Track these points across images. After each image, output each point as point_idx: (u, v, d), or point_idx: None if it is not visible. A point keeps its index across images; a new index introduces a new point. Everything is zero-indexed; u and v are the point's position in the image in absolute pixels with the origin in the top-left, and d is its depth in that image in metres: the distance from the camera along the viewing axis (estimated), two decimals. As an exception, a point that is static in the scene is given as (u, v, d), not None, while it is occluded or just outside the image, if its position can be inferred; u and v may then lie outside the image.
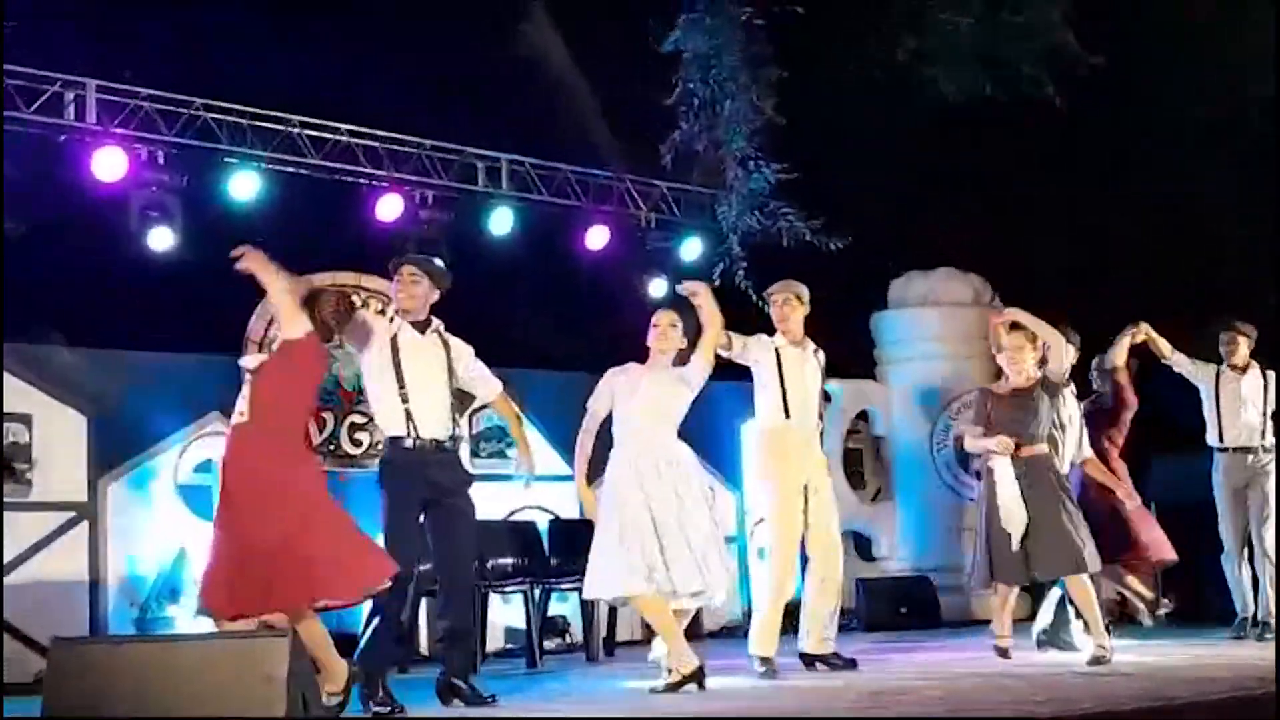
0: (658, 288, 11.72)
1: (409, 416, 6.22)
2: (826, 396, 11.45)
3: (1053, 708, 5.12)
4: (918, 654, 8.35)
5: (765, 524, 11.42)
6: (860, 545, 11.97)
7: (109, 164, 8.95)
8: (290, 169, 9.82)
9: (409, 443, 6.23)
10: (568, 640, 9.72)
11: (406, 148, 10.34)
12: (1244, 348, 8.80)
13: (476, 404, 10.17)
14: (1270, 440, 8.67)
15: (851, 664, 7.16)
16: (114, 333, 8.96)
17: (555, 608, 9.19)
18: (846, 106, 12.65)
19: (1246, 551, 8.67)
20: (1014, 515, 7.07)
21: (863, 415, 12.33)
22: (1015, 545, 7.07)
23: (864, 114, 12.73)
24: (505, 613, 9.49)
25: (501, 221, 10.72)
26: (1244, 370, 8.78)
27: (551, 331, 12.34)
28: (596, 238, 11.23)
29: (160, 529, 8.98)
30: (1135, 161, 13.14)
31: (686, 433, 11.03)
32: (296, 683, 4.16)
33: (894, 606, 10.79)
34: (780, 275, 11.64)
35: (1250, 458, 8.65)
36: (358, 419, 9.60)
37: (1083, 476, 8.19)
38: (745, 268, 11.53)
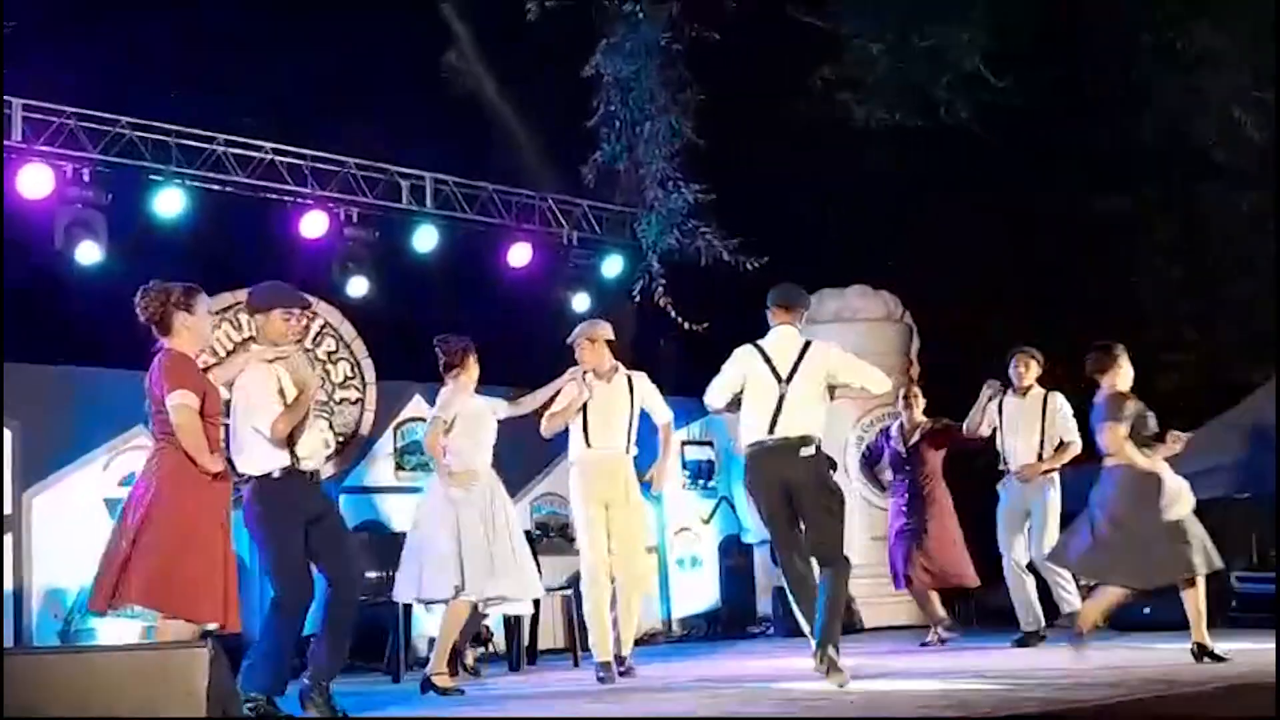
0: (580, 303, 11.92)
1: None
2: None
3: (957, 710, 5.32)
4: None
5: (683, 534, 11.73)
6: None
7: (34, 181, 9.00)
8: (215, 186, 9.90)
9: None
10: (490, 649, 9.87)
11: (331, 166, 10.44)
12: (1033, 372, 9.10)
13: (401, 418, 10.33)
14: (1048, 460, 8.92)
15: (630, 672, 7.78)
16: (39, 347, 8.98)
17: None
18: (763, 129, 12.93)
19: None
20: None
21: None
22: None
23: (780, 137, 13.02)
24: (429, 622, 9.61)
25: (426, 239, 10.86)
26: (1025, 393, 9.07)
27: (476, 347, 12.48)
28: (519, 255, 11.40)
29: (84, 541, 8.98)
30: (1046, 183, 13.52)
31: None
32: (216, 695, 4.07)
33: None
34: (698, 292, 11.97)
35: (1029, 478, 8.93)
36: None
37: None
38: (664, 284, 11.75)
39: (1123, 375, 7.59)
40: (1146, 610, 9.69)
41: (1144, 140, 13.26)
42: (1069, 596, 8.70)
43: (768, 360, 6.96)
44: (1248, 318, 13.47)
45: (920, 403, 9.55)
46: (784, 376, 6.86)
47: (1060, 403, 9.01)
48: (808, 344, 7.01)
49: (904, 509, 9.39)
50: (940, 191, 13.27)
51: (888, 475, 9.85)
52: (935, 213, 13.28)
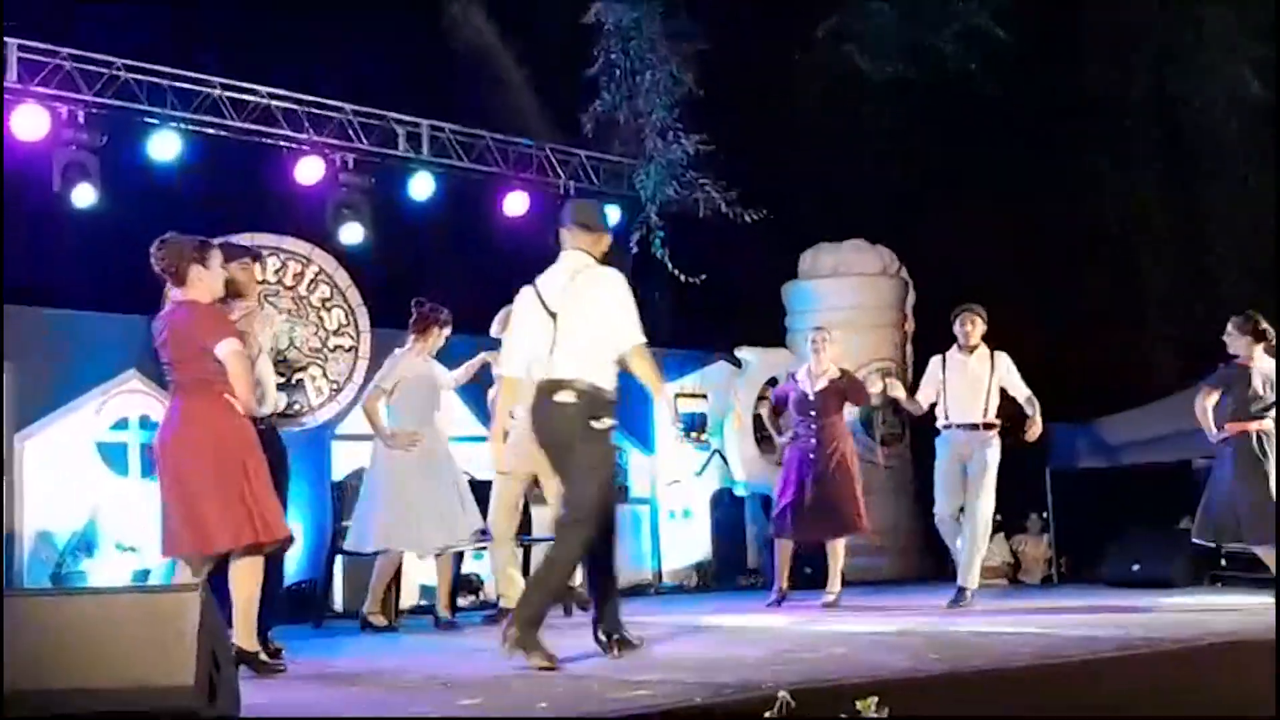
0: (575, 254, 11.88)
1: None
2: (737, 363, 11.75)
3: (947, 664, 5.35)
4: (822, 613, 8.61)
5: (674, 486, 11.76)
6: (769, 507, 12.20)
7: (29, 122, 8.95)
8: (211, 130, 9.84)
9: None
10: (480, 598, 9.90)
11: (327, 111, 10.38)
12: (979, 330, 9.09)
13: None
14: (992, 418, 8.96)
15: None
16: (32, 289, 8.95)
17: (469, 565, 9.35)
18: (765, 81, 12.86)
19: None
20: None
21: (773, 382, 12.56)
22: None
23: (782, 89, 12.95)
24: (420, 570, 9.64)
25: (422, 187, 10.82)
26: (971, 351, 9.07)
27: (470, 296, 12.47)
28: (516, 204, 11.36)
29: (76, 485, 9.02)
30: (1052, 142, 13.46)
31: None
32: (208, 639, 3.97)
33: (801, 567, 11.05)
34: (697, 244, 11.93)
35: (970, 434, 8.93)
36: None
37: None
38: (662, 236, 11.73)
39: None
40: (1136, 567, 9.77)
41: (1146, 96, 13.21)
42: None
43: (539, 293, 5.99)
44: (1248, 292, 13.44)
45: (829, 349, 9.38)
46: (551, 309, 5.92)
47: (1008, 362, 9.07)
48: (587, 267, 6.04)
49: (807, 456, 9.22)
50: (941, 146, 13.21)
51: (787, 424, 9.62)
52: (935, 168, 13.23)
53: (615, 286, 5.96)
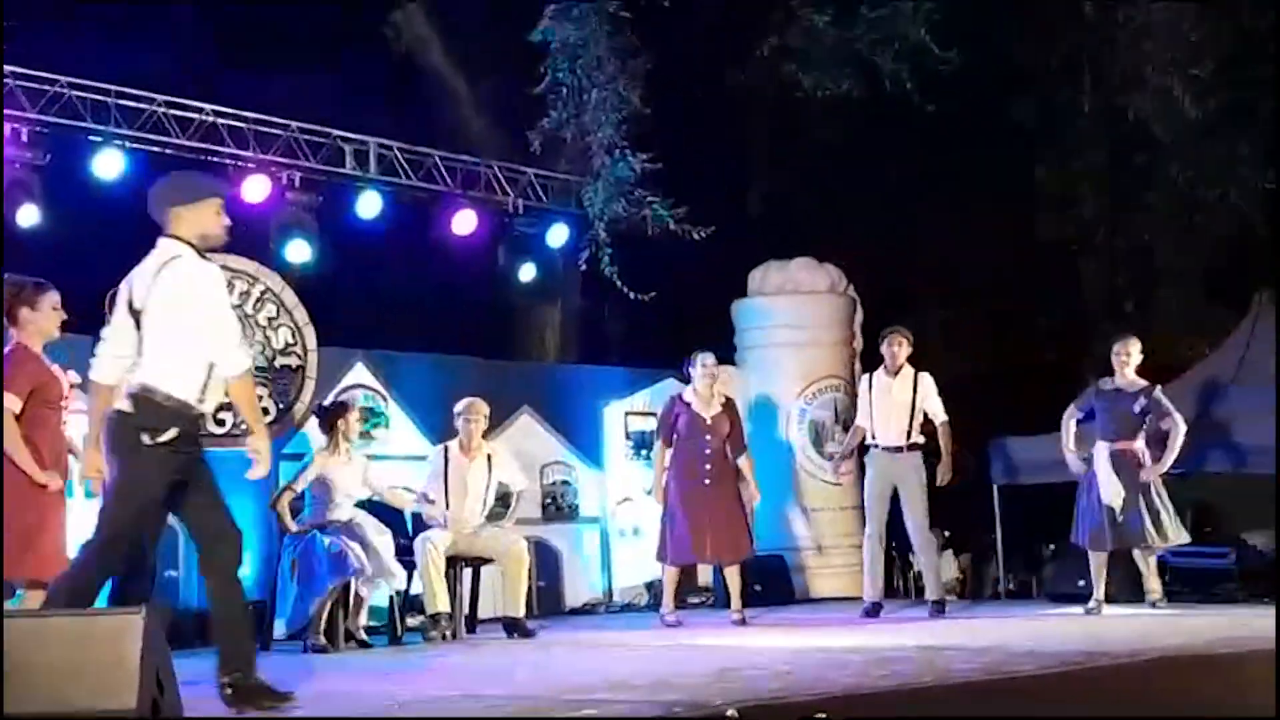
0: (526, 272, 11.89)
1: None
2: (686, 380, 11.76)
3: (894, 681, 5.37)
4: (770, 630, 8.64)
5: (625, 504, 11.75)
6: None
7: (-31, 140, 8.88)
8: (155, 148, 9.78)
9: None
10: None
11: (273, 129, 10.33)
12: (904, 351, 9.26)
13: (342, 385, 10.26)
14: (917, 438, 9.17)
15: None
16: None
17: (417, 586, 9.29)
18: (711, 99, 12.93)
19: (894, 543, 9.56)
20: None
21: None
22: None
23: (727, 107, 13.02)
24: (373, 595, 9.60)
25: (369, 205, 10.78)
26: (896, 373, 9.25)
27: (418, 314, 12.47)
28: (464, 223, 11.33)
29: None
30: (994, 157, 13.61)
31: (552, 414, 11.28)
32: (150, 661, 3.92)
33: (750, 584, 11.07)
34: (646, 262, 11.96)
35: (895, 455, 9.14)
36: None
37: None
38: (611, 254, 11.74)
39: None
40: (1080, 582, 9.82)
41: (1083, 112, 13.38)
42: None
43: (130, 288, 5.29)
44: (1184, 291, 13.64)
45: (723, 374, 9.50)
46: (136, 306, 5.22)
47: (929, 383, 9.25)
48: (175, 259, 5.22)
49: (695, 477, 9.17)
50: (885, 164, 13.33)
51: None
52: (880, 185, 13.34)
53: (198, 283, 5.19)
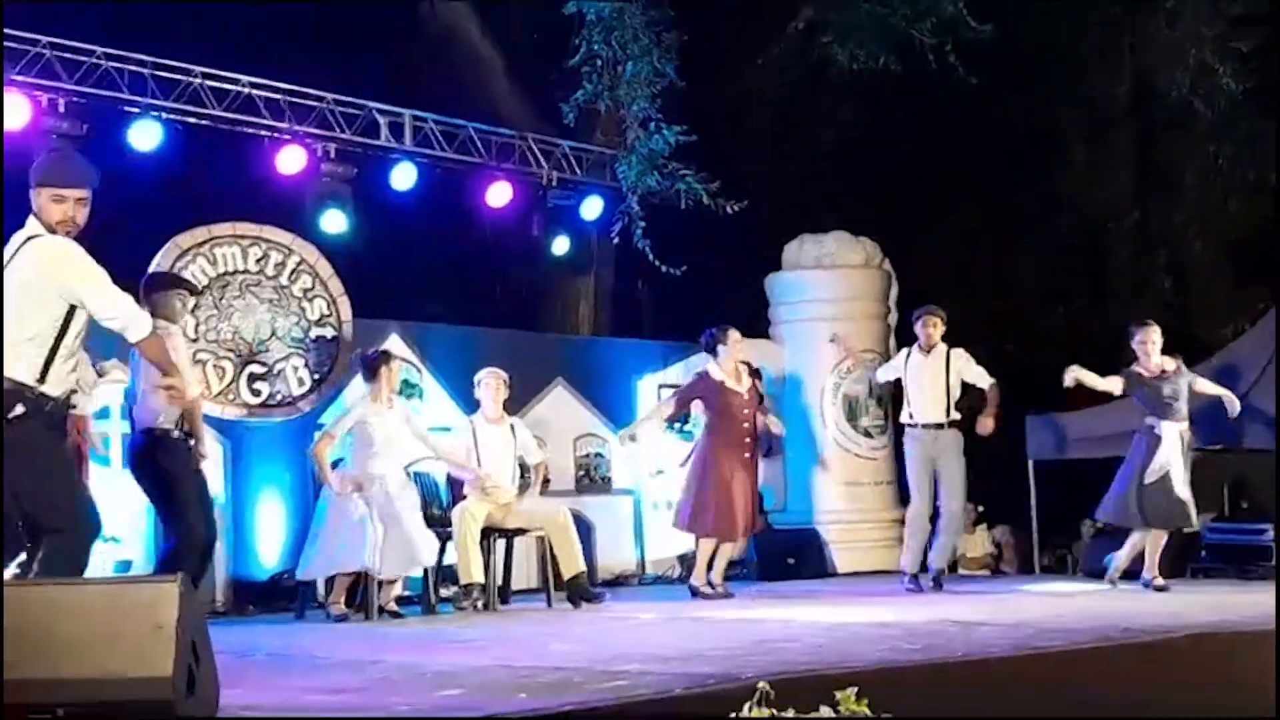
0: (559, 245, 11.88)
1: None
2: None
3: (926, 655, 5.37)
4: (804, 603, 8.65)
5: (658, 477, 11.76)
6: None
7: (10, 112, 8.90)
8: (192, 120, 9.81)
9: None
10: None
11: (309, 101, 10.33)
12: (938, 331, 9.38)
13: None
14: (955, 415, 9.28)
15: None
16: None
17: (451, 556, 9.34)
18: (746, 72, 12.87)
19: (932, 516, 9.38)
20: None
21: (756, 373, 12.58)
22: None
23: (762, 80, 12.96)
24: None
25: (404, 177, 10.78)
26: (929, 351, 9.38)
27: (452, 286, 12.48)
28: (498, 195, 11.33)
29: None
30: (1030, 133, 13.51)
31: (585, 386, 11.30)
32: (187, 631, 3.90)
33: (784, 557, 11.10)
34: (679, 235, 11.94)
35: (936, 433, 9.25)
36: (256, 369, 9.66)
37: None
38: (644, 227, 11.73)
39: None
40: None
41: (1120, 88, 13.27)
42: None
43: None
44: (1218, 272, 13.53)
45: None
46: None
47: (963, 357, 9.37)
48: (29, 240, 5.00)
49: (741, 455, 9.31)
50: (919, 139, 13.24)
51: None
52: (915, 159, 13.26)
53: (45, 264, 4.92)
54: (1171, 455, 8.86)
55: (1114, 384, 9.18)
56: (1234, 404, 9.02)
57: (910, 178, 13.28)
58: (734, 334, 9.44)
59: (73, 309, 4.96)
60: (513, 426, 9.18)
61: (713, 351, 9.46)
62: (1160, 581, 8.86)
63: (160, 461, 7.12)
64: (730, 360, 9.39)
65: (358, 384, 9.22)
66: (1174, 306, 13.18)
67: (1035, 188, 13.83)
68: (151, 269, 8.92)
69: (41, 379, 4.91)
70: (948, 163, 13.21)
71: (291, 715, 4.26)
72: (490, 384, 9.11)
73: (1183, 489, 8.86)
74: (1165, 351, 9.10)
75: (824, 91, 12.99)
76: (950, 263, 13.94)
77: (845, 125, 13.43)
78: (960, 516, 9.47)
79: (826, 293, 12.18)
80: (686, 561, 11.65)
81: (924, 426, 9.34)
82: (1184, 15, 12.70)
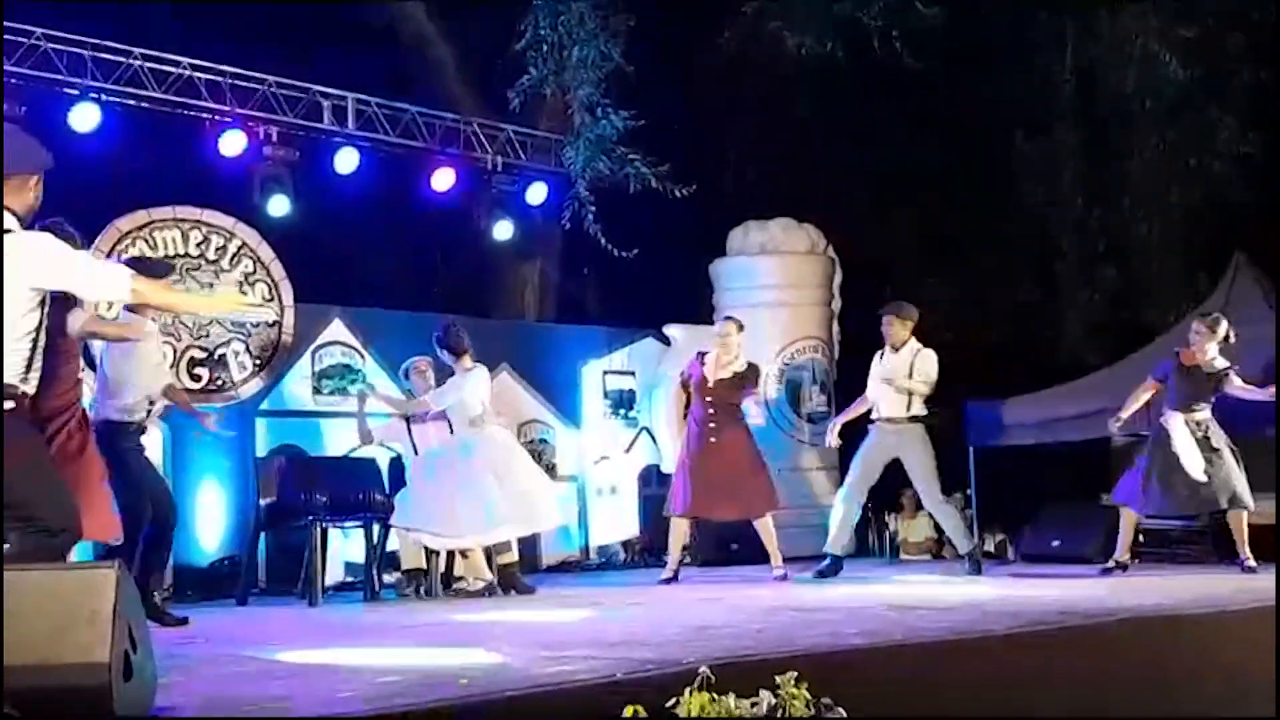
0: (503, 230, 11.84)
1: None
2: (665, 340, 11.80)
3: (866, 640, 5.40)
4: (745, 589, 8.68)
5: (603, 463, 11.77)
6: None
7: (-56, 93, 8.78)
8: (132, 102, 9.71)
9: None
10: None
11: (251, 83, 10.25)
12: (899, 330, 9.47)
13: (320, 341, 10.25)
14: (918, 410, 9.39)
15: None
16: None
17: (395, 543, 9.33)
18: (694, 57, 12.85)
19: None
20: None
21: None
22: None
23: (711, 65, 12.95)
24: (345, 547, 9.61)
25: (347, 161, 10.72)
26: (896, 349, 9.47)
27: (396, 271, 12.42)
28: (443, 180, 11.29)
29: None
30: (974, 120, 13.58)
31: (531, 372, 11.30)
32: (123, 617, 3.87)
33: (725, 543, 11.13)
34: (627, 220, 11.93)
35: (898, 428, 9.36)
36: (197, 354, 9.59)
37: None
38: (594, 212, 11.71)
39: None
40: (1055, 543, 9.91)
41: (1064, 78, 13.36)
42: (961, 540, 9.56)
43: None
44: (1160, 258, 13.67)
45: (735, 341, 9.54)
46: None
47: (924, 360, 9.41)
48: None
49: (702, 436, 9.40)
50: (867, 127, 13.29)
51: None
52: (865, 147, 13.31)
53: (20, 259, 4.76)
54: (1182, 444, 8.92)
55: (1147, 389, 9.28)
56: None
57: (858, 164, 13.34)
58: (721, 324, 9.72)
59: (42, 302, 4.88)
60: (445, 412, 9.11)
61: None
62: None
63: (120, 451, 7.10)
64: (716, 349, 9.52)
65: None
66: (1120, 293, 13.31)
67: (983, 175, 13.91)
68: (90, 253, 8.81)
69: (25, 378, 4.84)
70: (896, 150, 13.28)
71: (231, 702, 4.24)
72: (415, 376, 9.21)
73: (1197, 474, 8.87)
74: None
75: (773, 77, 13.00)
76: (896, 250, 14.01)
77: (794, 111, 13.45)
78: (940, 499, 9.53)
79: (770, 279, 12.23)
80: (630, 547, 11.71)
81: (883, 420, 9.43)
82: (1129, 3, 12.82)
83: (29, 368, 4.87)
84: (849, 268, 12.70)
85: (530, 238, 12.38)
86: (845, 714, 3.92)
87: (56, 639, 3.79)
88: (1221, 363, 9.05)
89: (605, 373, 11.91)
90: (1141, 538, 9.83)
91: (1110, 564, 9.01)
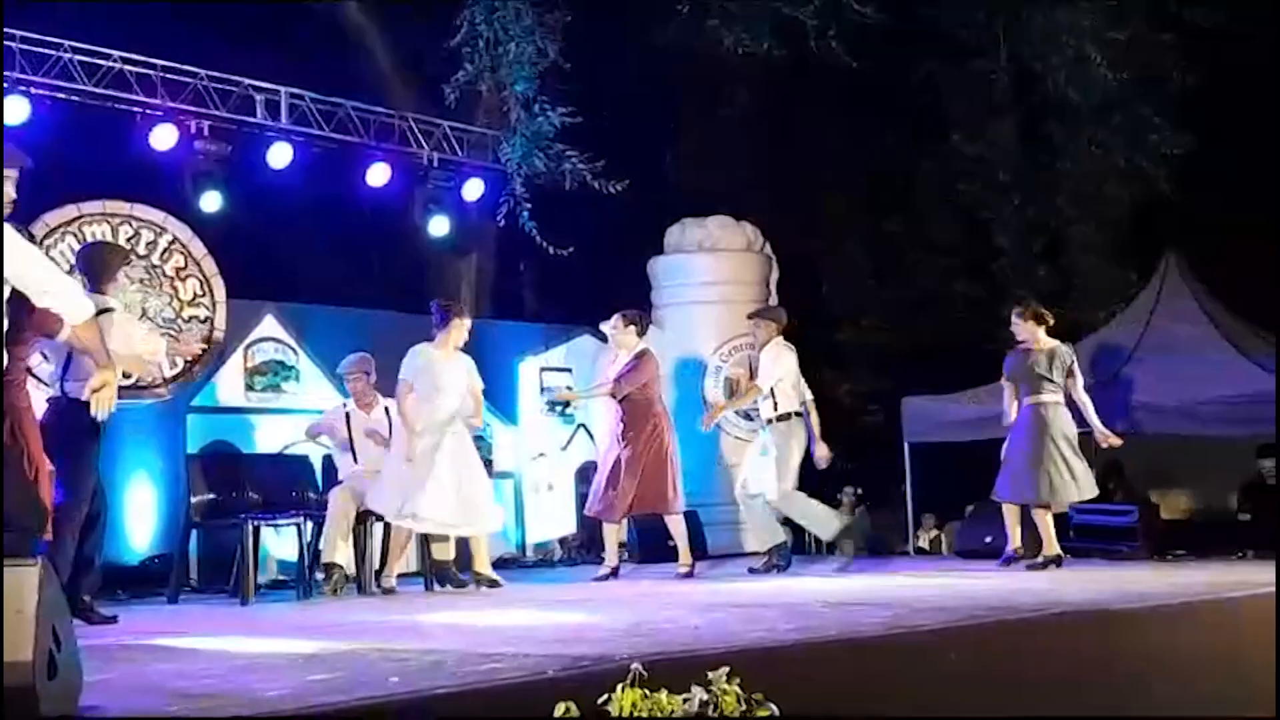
0: (439, 226, 11.78)
1: None
2: (602, 337, 11.79)
3: (801, 635, 5.40)
4: (682, 585, 8.68)
5: (539, 460, 11.75)
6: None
7: None
8: (61, 95, 9.57)
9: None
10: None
11: (182, 77, 10.14)
12: (761, 333, 9.72)
13: (252, 337, 10.15)
14: (785, 408, 9.46)
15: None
16: None
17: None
18: (631, 54, 12.85)
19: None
20: None
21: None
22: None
23: (647, 62, 12.95)
24: (277, 545, 9.53)
25: (280, 155, 10.62)
26: (761, 348, 9.66)
27: (330, 267, 12.33)
28: (378, 175, 11.21)
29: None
30: (911, 117, 13.67)
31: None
32: (47, 615, 3.80)
33: (663, 539, 11.11)
34: (563, 217, 11.90)
35: (769, 427, 9.53)
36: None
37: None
38: (530, 209, 11.67)
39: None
40: (987, 539, 9.98)
41: (999, 78, 13.49)
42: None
43: None
44: (1095, 257, 13.83)
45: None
46: None
47: (764, 358, 9.59)
48: None
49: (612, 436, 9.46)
50: (803, 125, 13.35)
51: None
52: (798, 145, 13.37)
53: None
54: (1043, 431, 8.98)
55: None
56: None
57: (795, 162, 13.39)
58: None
59: None
60: (386, 408, 9.01)
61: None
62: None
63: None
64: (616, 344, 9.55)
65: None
66: (1054, 289, 13.44)
67: (917, 171, 14.00)
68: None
69: None
70: (833, 148, 13.34)
71: (158, 701, 4.18)
72: (352, 376, 9.14)
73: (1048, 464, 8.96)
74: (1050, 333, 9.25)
75: (711, 75, 13.02)
76: (833, 245, 14.09)
77: (731, 108, 13.48)
78: (788, 492, 9.54)
79: (708, 276, 12.25)
80: (566, 544, 11.68)
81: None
82: (1061, 4, 12.95)
83: None
84: (785, 266, 12.73)
85: (466, 234, 12.32)
86: (776, 710, 3.91)
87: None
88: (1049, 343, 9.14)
89: (542, 369, 11.89)
90: (1071, 533, 9.92)
91: (1011, 555, 9.06)
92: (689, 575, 9.18)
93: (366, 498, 8.57)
